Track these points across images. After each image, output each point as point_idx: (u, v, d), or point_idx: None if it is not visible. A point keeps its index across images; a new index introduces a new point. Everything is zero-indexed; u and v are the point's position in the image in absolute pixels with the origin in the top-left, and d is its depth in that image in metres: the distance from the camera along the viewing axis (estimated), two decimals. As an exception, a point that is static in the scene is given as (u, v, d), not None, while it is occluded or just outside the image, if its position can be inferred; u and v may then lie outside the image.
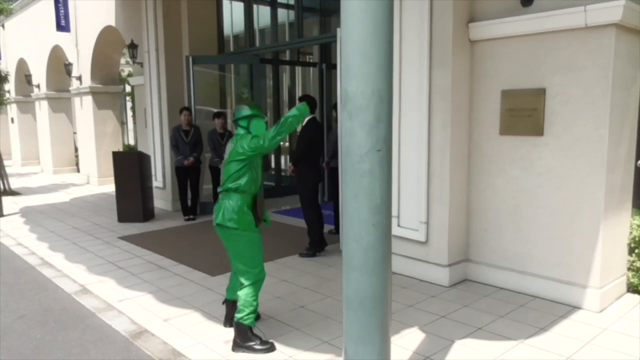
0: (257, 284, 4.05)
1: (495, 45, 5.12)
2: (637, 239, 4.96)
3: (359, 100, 2.61)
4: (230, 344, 4.07)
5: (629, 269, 5.04)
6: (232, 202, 3.99)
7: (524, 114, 4.91)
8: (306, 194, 6.61)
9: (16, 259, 6.85)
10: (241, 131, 4.08)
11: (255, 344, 3.97)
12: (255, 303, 4.02)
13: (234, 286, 4.28)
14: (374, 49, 2.58)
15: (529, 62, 4.90)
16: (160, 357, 3.95)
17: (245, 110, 4.10)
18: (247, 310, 3.98)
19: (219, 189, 4.12)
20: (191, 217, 9.02)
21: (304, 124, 6.52)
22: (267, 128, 4.07)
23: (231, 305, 4.38)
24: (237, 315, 4.00)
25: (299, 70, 12.98)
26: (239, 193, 4.00)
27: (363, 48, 2.57)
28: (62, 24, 13.60)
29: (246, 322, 3.99)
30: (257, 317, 4.33)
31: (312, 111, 6.53)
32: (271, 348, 4.00)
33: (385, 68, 2.61)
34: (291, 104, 12.27)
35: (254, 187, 4.06)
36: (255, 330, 4.08)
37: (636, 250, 4.98)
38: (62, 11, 13.52)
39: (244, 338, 3.99)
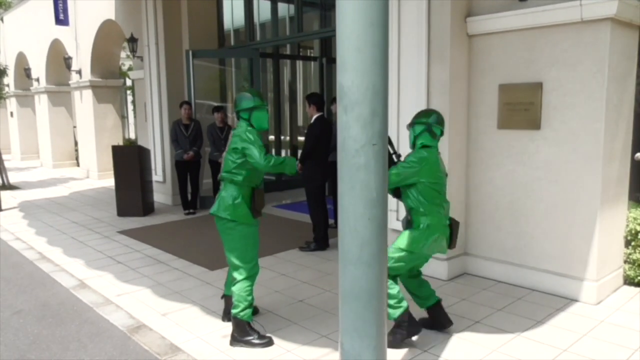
0: (250, 278, 4.03)
1: (492, 40, 5.12)
2: (633, 231, 4.97)
3: (354, 95, 2.61)
4: (229, 338, 4.07)
5: (625, 261, 5.06)
6: (228, 193, 4.00)
7: (522, 107, 4.92)
8: (313, 191, 6.60)
9: (14, 254, 6.86)
10: (243, 123, 4.04)
11: (253, 338, 3.98)
12: (249, 298, 4.01)
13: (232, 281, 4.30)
14: (369, 43, 2.57)
15: (526, 56, 4.89)
16: (158, 352, 3.96)
17: (247, 102, 4.04)
18: (242, 305, 3.97)
19: (218, 177, 4.12)
20: (191, 211, 9.03)
21: (312, 121, 6.53)
22: (269, 119, 4.05)
23: (230, 300, 4.37)
24: (233, 311, 4.00)
25: (299, 64, 12.98)
26: (235, 184, 4.00)
27: (358, 42, 2.57)
28: (61, 18, 13.56)
29: (243, 318, 3.98)
30: (256, 312, 4.35)
31: (320, 109, 6.55)
32: (269, 342, 4.00)
33: (380, 62, 2.61)
34: (292, 99, 12.27)
35: (253, 179, 4.04)
36: (254, 325, 4.09)
37: (632, 243, 5.00)
38: (61, 5, 13.48)
39: (242, 332, 4.00)
